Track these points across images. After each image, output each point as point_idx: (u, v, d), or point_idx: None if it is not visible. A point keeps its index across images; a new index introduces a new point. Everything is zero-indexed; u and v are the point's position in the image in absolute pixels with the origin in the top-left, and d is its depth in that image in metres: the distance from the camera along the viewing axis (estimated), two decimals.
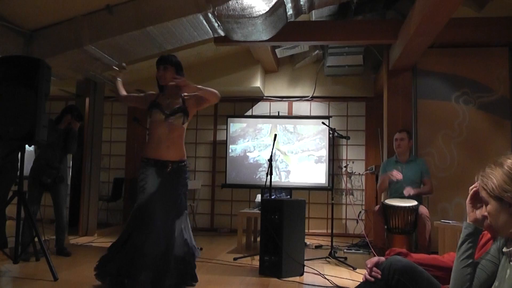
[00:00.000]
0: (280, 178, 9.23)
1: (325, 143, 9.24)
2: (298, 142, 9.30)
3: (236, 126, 9.57)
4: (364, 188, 9.42)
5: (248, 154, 9.42)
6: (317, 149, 9.21)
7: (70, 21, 6.20)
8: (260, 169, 9.35)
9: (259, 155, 9.37)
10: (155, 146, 4.30)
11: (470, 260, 2.12)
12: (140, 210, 4.11)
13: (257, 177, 9.33)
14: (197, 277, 4.37)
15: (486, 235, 2.39)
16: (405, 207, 5.96)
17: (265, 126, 9.50)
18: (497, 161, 2.05)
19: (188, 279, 4.24)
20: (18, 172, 5.12)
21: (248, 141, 9.45)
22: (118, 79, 4.74)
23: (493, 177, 2.03)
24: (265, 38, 6.49)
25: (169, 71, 4.35)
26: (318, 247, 7.54)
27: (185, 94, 4.40)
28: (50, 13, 6.06)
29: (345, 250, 7.14)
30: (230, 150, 9.48)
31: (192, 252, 4.24)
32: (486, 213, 2.12)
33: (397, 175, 6.16)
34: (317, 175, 9.16)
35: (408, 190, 6.12)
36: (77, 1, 5.86)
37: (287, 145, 9.30)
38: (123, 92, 4.69)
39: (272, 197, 6.73)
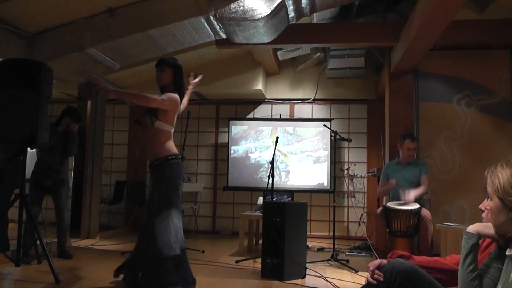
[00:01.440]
0: (280, 178, 9.23)
1: (322, 144, 9.24)
2: (297, 143, 9.31)
3: (238, 128, 9.57)
4: (366, 190, 9.41)
5: (249, 155, 9.44)
6: (315, 150, 9.22)
7: (72, 24, 6.21)
8: (261, 169, 9.38)
9: (260, 156, 9.40)
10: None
11: (477, 272, 2.12)
12: None
13: (258, 176, 9.36)
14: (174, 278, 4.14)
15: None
16: (407, 210, 5.95)
17: (266, 128, 9.51)
18: (510, 161, 2.07)
19: (160, 279, 4.05)
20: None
21: (249, 142, 9.46)
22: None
23: (501, 176, 2.04)
24: (266, 40, 6.49)
25: (166, 73, 4.39)
26: (320, 249, 7.54)
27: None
28: (52, 16, 6.07)
29: (347, 253, 7.13)
30: (232, 151, 9.49)
31: (161, 251, 4.06)
32: (488, 207, 2.13)
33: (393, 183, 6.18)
34: (316, 175, 9.17)
35: (408, 198, 6.06)
36: (79, 4, 5.87)
37: (287, 146, 9.31)
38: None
39: (274, 199, 6.72)
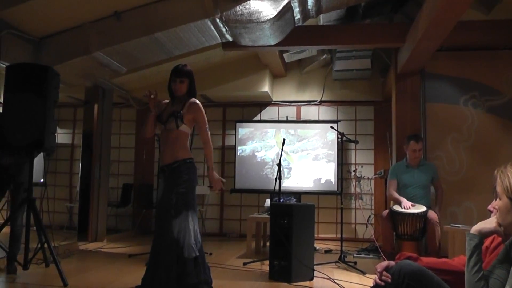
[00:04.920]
0: (283, 174, 9.27)
1: (320, 143, 9.34)
2: (298, 143, 9.43)
3: (245, 130, 9.60)
4: (373, 192, 9.39)
5: (256, 153, 9.55)
6: (314, 148, 9.34)
7: (78, 28, 6.23)
8: (266, 166, 9.53)
9: (265, 155, 9.55)
10: (160, 154, 4.51)
11: (482, 272, 2.11)
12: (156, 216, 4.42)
13: (263, 173, 9.50)
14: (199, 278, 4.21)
15: (497, 238, 2.38)
16: (413, 214, 5.93)
17: (270, 130, 9.60)
18: None
19: (185, 279, 4.10)
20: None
21: (256, 142, 9.57)
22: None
23: (511, 176, 2.05)
24: (273, 42, 6.49)
25: (185, 83, 4.41)
26: (328, 251, 7.53)
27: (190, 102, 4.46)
28: (58, 20, 6.09)
29: (354, 255, 7.11)
30: (240, 151, 9.57)
31: (182, 253, 4.10)
32: (497, 207, 2.13)
33: (407, 204, 6.12)
34: (315, 171, 9.29)
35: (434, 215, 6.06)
36: (85, 8, 5.89)
37: (289, 145, 9.37)
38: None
39: (281, 201, 6.72)
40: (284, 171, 9.35)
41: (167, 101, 4.61)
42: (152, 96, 4.42)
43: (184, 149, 4.43)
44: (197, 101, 4.48)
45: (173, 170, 4.33)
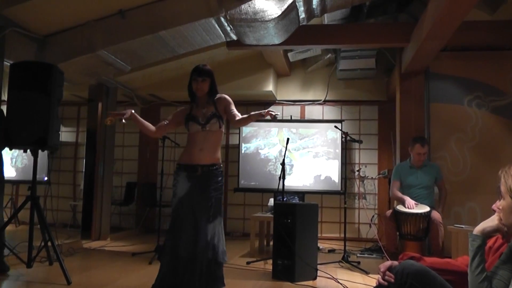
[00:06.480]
0: (285, 171, 9.34)
1: (320, 141, 9.39)
2: (300, 141, 9.50)
3: (249, 129, 9.63)
4: (377, 192, 9.37)
5: (260, 151, 9.64)
6: (314, 146, 9.39)
7: (82, 26, 6.24)
8: (270, 163, 9.61)
9: (269, 152, 9.64)
10: (188, 151, 4.30)
11: (485, 273, 2.11)
12: (172, 215, 4.23)
13: (267, 170, 9.58)
14: (224, 281, 4.26)
15: (500, 239, 2.38)
16: (417, 214, 5.92)
17: (273, 129, 9.66)
18: None
19: (215, 283, 4.15)
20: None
21: (259, 140, 9.68)
22: (131, 111, 4.57)
23: None
24: (277, 41, 6.49)
25: (207, 82, 4.36)
26: (331, 251, 7.52)
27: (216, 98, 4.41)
28: (62, 18, 6.10)
29: (358, 255, 7.11)
30: (245, 148, 9.66)
31: (217, 258, 4.12)
32: (500, 207, 2.13)
33: (411, 203, 6.11)
34: (316, 168, 9.33)
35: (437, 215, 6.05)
36: (89, 6, 5.90)
37: (291, 143, 9.39)
38: (151, 126, 4.61)
39: (284, 200, 6.72)
40: (286, 168, 9.39)
41: (183, 107, 4.54)
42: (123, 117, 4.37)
43: (219, 153, 4.38)
44: (224, 94, 4.45)
45: (210, 172, 4.23)
